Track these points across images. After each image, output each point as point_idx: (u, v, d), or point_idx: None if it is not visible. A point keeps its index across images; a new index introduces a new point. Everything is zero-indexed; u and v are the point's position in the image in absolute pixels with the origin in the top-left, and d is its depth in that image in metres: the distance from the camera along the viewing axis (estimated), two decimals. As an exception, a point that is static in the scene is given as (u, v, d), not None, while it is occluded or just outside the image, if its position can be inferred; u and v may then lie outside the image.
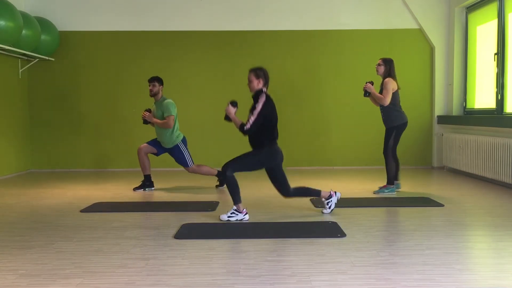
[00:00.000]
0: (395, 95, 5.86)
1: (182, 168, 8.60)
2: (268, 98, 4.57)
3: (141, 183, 6.45)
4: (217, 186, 6.60)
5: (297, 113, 8.59)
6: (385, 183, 6.13)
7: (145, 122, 6.36)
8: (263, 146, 4.58)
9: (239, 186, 4.60)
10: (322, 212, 4.84)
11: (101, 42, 8.67)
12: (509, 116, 6.69)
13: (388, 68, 5.91)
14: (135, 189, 6.41)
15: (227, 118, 4.65)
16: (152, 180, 6.50)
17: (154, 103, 6.44)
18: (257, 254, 3.52)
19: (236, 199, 4.59)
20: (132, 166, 8.58)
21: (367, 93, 5.93)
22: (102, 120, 8.72)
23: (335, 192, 4.88)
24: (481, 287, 2.86)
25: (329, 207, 4.82)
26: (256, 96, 4.59)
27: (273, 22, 8.60)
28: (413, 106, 8.29)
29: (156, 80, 6.35)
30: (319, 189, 4.87)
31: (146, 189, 6.40)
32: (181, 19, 8.62)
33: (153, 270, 3.17)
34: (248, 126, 4.49)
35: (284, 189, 4.72)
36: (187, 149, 6.44)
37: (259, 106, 4.50)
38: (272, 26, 8.60)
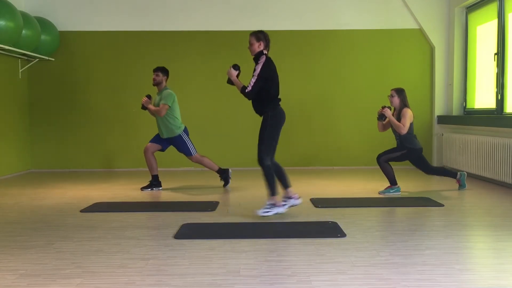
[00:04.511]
0: (411, 124, 5.94)
1: (182, 168, 8.67)
2: (268, 59, 4.62)
3: (148, 182, 6.43)
4: (224, 185, 6.54)
5: (296, 113, 8.58)
6: (387, 184, 6.14)
7: (143, 107, 6.35)
8: (267, 112, 4.60)
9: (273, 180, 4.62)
10: (257, 213, 4.59)
11: (101, 42, 8.68)
12: (509, 116, 6.69)
13: (402, 98, 5.99)
14: (142, 188, 6.38)
15: (230, 81, 4.69)
16: (160, 180, 6.47)
17: (157, 93, 6.44)
18: (257, 254, 3.52)
19: (272, 191, 4.61)
20: (132, 166, 8.59)
21: (383, 117, 5.95)
22: (102, 120, 8.72)
23: (298, 198, 4.73)
24: (481, 287, 2.86)
25: (280, 206, 4.65)
26: (257, 58, 4.65)
27: (272, 22, 8.59)
28: (413, 106, 8.14)
29: (160, 70, 6.36)
30: (292, 189, 4.70)
31: (154, 188, 6.38)
32: (181, 19, 8.62)
33: (153, 270, 3.17)
34: (249, 88, 4.55)
35: (260, 153, 4.56)
36: (189, 138, 6.40)
37: (258, 68, 4.56)
38: (271, 26, 8.58)
